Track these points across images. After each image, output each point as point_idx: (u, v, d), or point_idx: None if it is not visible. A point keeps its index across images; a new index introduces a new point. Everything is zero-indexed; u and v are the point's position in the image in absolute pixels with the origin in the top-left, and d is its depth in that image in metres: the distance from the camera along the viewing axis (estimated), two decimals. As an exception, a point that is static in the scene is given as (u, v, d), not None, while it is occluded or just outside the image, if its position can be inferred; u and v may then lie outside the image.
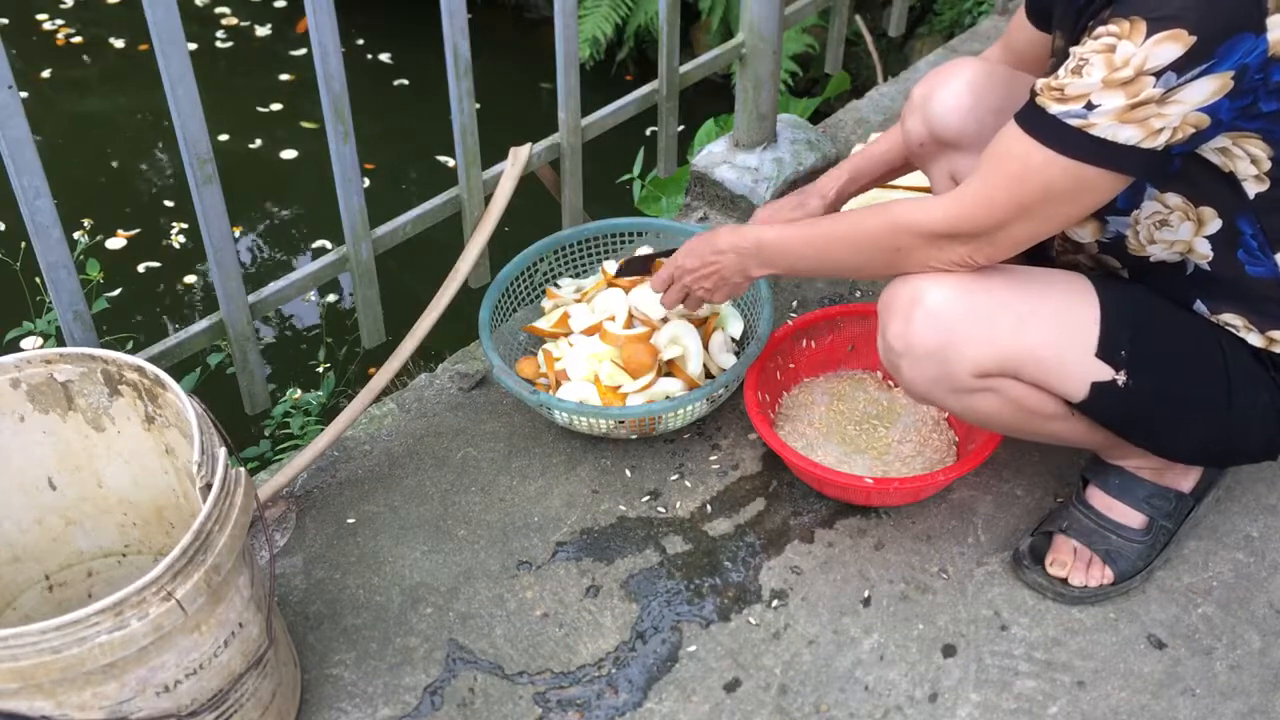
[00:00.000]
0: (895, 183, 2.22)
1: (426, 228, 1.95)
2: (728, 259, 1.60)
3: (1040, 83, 1.25)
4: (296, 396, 2.48)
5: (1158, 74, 1.17)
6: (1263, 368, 1.42)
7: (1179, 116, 1.19)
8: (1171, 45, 1.15)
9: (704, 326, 1.89)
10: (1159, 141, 1.21)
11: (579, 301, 1.94)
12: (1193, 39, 1.15)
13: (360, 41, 4.48)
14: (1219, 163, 1.30)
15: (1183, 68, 1.16)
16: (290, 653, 1.51)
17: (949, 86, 1.59)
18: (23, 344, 2.33)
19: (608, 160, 2.83)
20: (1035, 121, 1.26)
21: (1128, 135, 1.21)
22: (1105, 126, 1.21)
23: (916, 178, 2.11)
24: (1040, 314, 1.40)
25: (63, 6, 4.78)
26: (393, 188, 3.84)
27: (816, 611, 1.62)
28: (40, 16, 4.72)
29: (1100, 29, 1.20)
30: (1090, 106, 1.21)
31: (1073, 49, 1.23)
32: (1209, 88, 1.17)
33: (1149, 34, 1.16)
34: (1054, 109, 1.23)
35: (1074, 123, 1.22)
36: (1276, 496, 1.73)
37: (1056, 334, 1.40)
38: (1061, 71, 1.23)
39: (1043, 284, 1.42)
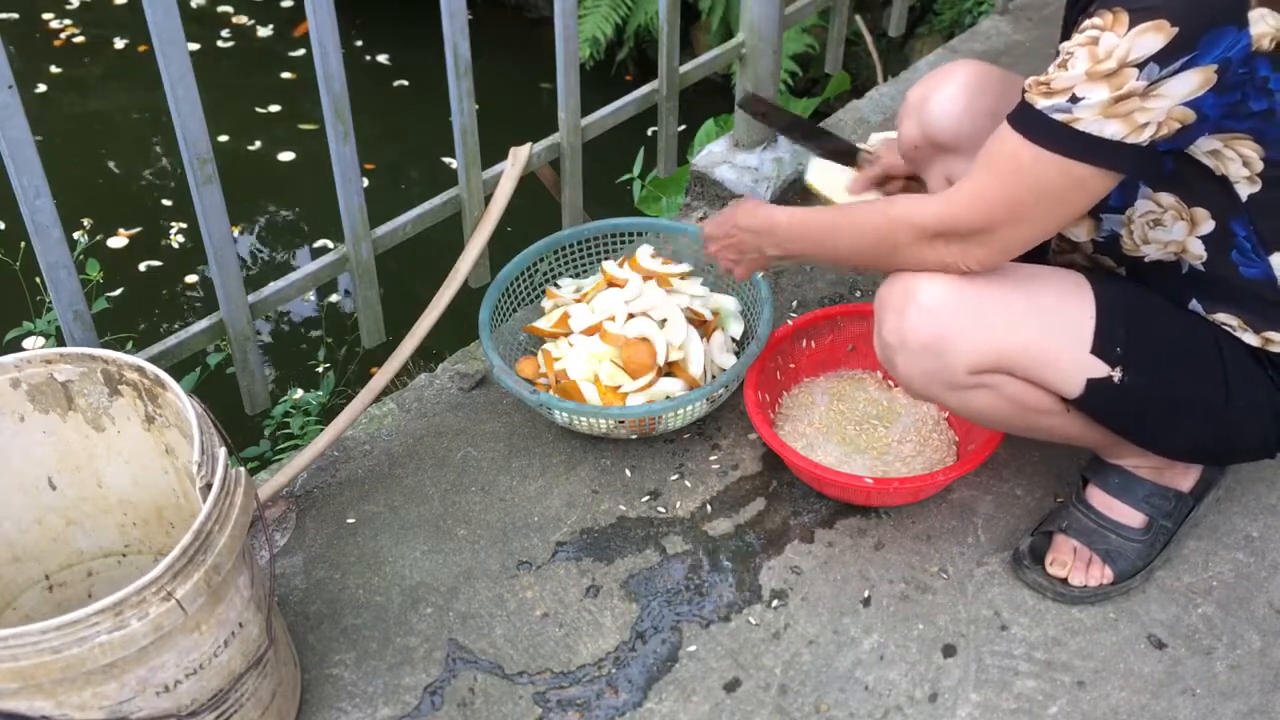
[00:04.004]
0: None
1: (426, 228, 1.95)
2: (743, 237, 1.61)
3: (1030, 79, 1.26)
4: (296, 396, 2.48)
5: (1140, 66, 1.17)
6: (1259, 366, 1.42)
7: (1163, 111, 1.20)
8: (1154, 36, 1.16)
9: (704, 327, 1.89)
10: (1144, 137, 1.22)
11: (579, 301, 1.94)
12: (1174, 30, 1.15)
13: (360, 42, 4.48)
14: (1211, 165, 1.30)
15: (1165, 60, 1.17)
16: (290, 653, 1.51)
17: (944, 90, 1.59)
18: (23, 344, 2.33)
19: (608, 160, 2.83)
20: (1024, 118, 1.26)
21: (1112, 130, 1.21)
22: (1090, 121, 1.22)
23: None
24: (1035, 310, 1.40)
25: (68, 7, 4.78)
26: (393, 188, 3.84)
27: (816, 611, 1.62)
28: (46, 15, 4.73)
29: (1086, 22, 1.21)
30: (1074, 100, 1.21)
31: (1061, 45, 1.24)
32: (1192, 82, 1.18)
33: (1131, 25, 1.17)
34: (1040, 103, 1.24)
35: (1059, 117, 1.23)
36: (1276, 496, 1.73)
37: (1051, 330, 1.40)
38: (1050, 67, 1.24)
39: (1038, 280, 1.43)
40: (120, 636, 1.15)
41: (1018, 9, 2.89)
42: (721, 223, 1.65)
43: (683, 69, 2.18)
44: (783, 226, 1.55)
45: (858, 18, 3.56)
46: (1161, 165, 1.27)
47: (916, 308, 1.40)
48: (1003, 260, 1.37)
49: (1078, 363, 1.40)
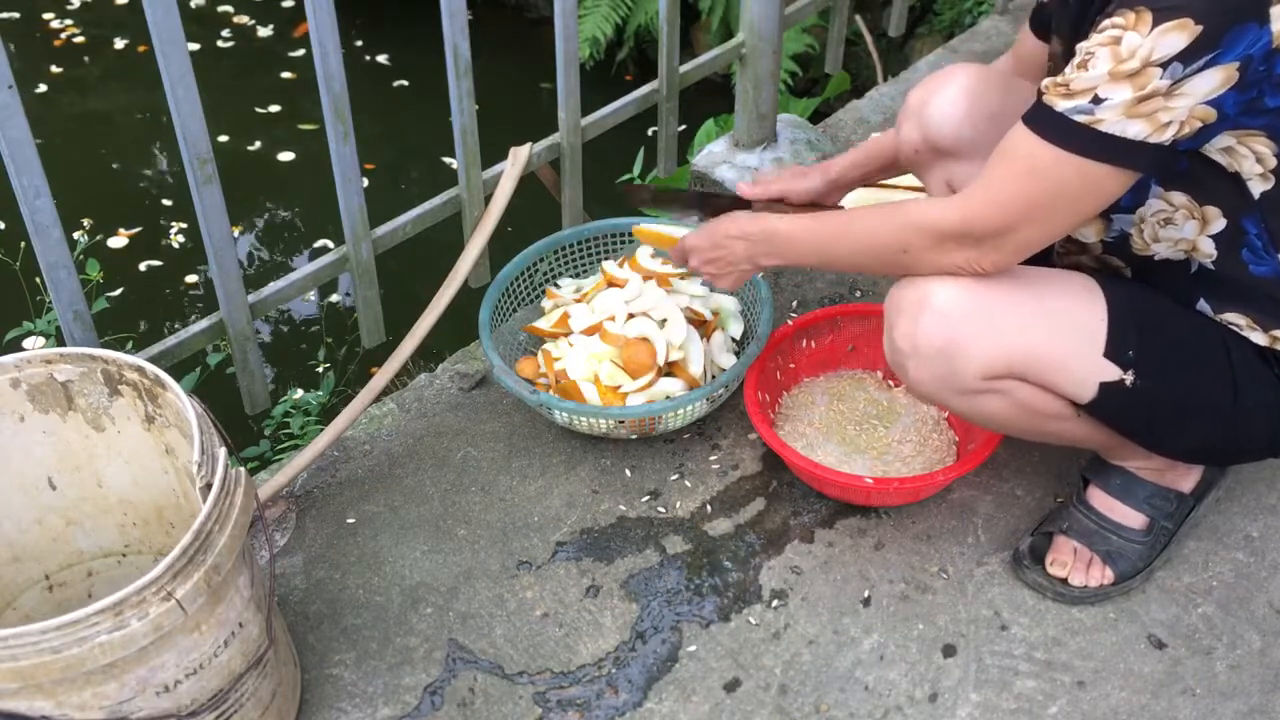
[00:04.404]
0: (895, 183, 2.22)
1: (426, 228, 1.95)
2: (737, 245, 1.58)
3: (1047, 80, 1.25)
4: (296, 396, 2.48)
5: (1164, 65, 1.17)
6: (1267, 365, 1.42)
7: (1186, 110, 1.19)
8: (1178, 35, 1.15)
9: (704, 327, 1.89)
10: (1166, 136, 1.21)
11: (579, 301, 1.94)
12: (1199, 29, 1.15)
13: (360, 42, 4.48)
14: (1224, 162, 1.30)
15: (1189, 58, 1.16)
16: (290, 653, 1.51)
17: (944, 93, 1.58)
18: (23, 344, 2.33)
19: (608, 160, 2.82)
20: (1042, 119, 1.25)
21: (1136, 130, 1.21)
22: (1113, 122, 1.21)
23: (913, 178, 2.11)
24: (1048, 314, 1.40)
25: (69, 7, 4.78)
26: (393, 188, 3.84)
27: (816, 611, 1.62)
28: (47, 15, 4.73)
29: (1106, 22, 1.20)
30: (1097, 100, 1.20)
31: (1079, 45, 1.23)
32: (1215, 80, 1.17)
33: (1155, 24, 1.16)
34: (1060, 105, 1.23)
35: (1081, 119, 1.22)
36: (1276, 496, 1.73)
37: (1064, 334, 1.40)
38: (1068, 68, 1.23)
39: (1050, 284, 1.42)
40: (120, 636, 1.15)
41: (1018, 9, 2.89)
42: (709, 234, 1.62)
43: (683, 69, 2.18)
44: (782, 235, 1.53)
45: (858, 18, 3.56)
46: (1178, 164, 1.26)
47: (930, 313, 1.39)
48: (1015, 261, 1.36)
49: (1090, 367, 1.39)
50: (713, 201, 1.78)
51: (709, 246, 1.61)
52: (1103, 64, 1.19)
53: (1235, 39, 1.15)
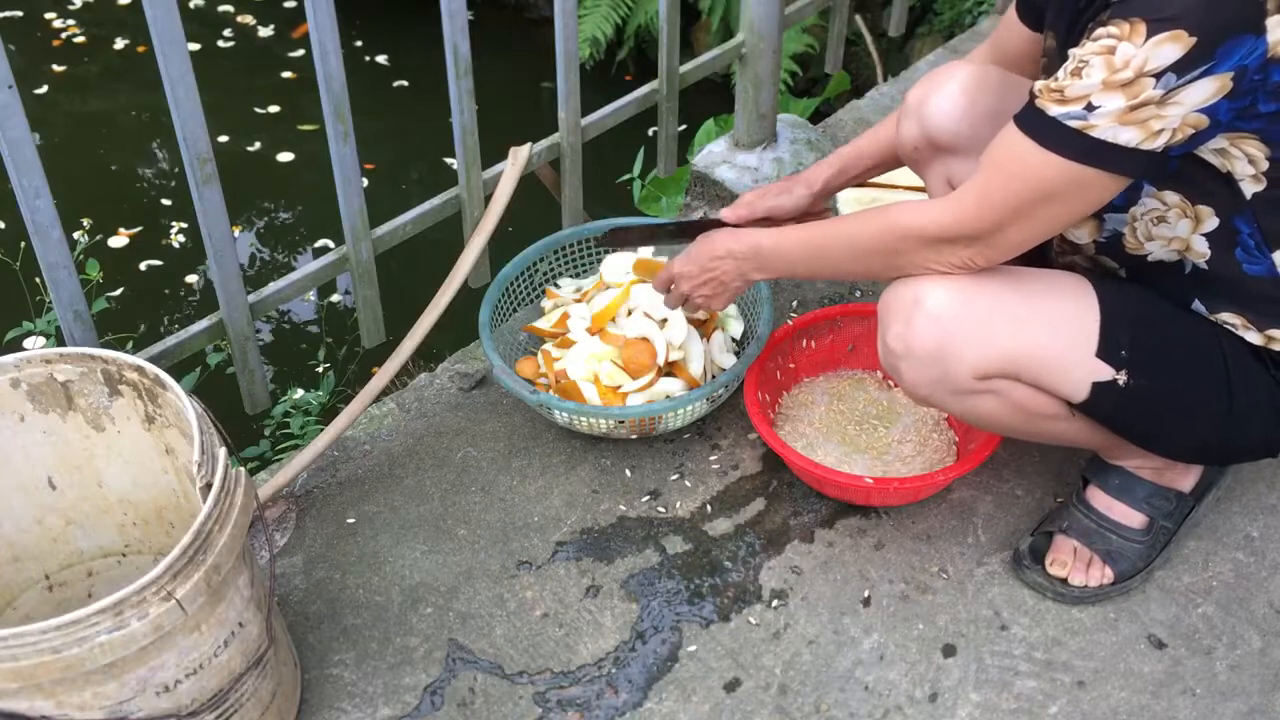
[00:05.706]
0: (895, 183, 2.22)
1: (426, 228, 1.95)
2: (726, 265, 1.59)
3: (1039, 84, 1.25)
4: (296, 396, 2.48)
5: (1158, 75, 1.17)
6: (1262, 366, 1.42)
7: (1178, 118, 1.19)
8: (1172, 46, 1.15)
9: (704, 327, 1.89)
10: (1158, 143, 1.21)
11: (579, 301, 1.94)
12: (1193, 40, 1.15)
13: (360, 42, 4.48)
14: (1217, 163, 1.30)
15: (1183, 69, 1.16)
16: (290, 653, 1.51)
17: (944, 91, 1.58)
18: (23, 344, 2.33)
19: (608, 160, 2.83)
20: (1034, 123, 1.25)
21: (1128, 137, 1.21)
22: (1105, 128, 1.21)
23: (914, 177, 2.11)
24: (1040, 315, 1.40)
25: (70, 6, 4.79)
26: (393, 188, 3.84)
27: (816, 611, 1.62)
28: (49, 15, 4.73)
29: (1100, 30, 1.20)
30: (1090, 108, 1.21)
31: (1072, 50, 1.23)
32: (1208, 89, 1.17)
33: (1149, 35, 1.16)
34: (1053, 110, 1.23)
35: (1074, 124, 1.22)
36: (1276, 496, 1.73)
37: (1057, 334, 1.40)
38: (1061, 73, 1.23)
39: (1043, 284, 1.42)
40: (120, 636, 1.15)
41: (1008, 7, 2.88)
42: (695, 258, 1.63)
43: (683, 69, 2.18)
44: (769, 248, 1.54)
45: (858, 18, 3.56)
46: (1167, 166, 1.26)
47: (923, 315, 1.39)
48: (1009, 257, 1.37)
49: (1083, 366, 1.40)
50: (694, 227, 1.78)
51: (698, 271, 1.62)
52: (1097, 73, 1.19)
53: (1230, 50, 1.15)
